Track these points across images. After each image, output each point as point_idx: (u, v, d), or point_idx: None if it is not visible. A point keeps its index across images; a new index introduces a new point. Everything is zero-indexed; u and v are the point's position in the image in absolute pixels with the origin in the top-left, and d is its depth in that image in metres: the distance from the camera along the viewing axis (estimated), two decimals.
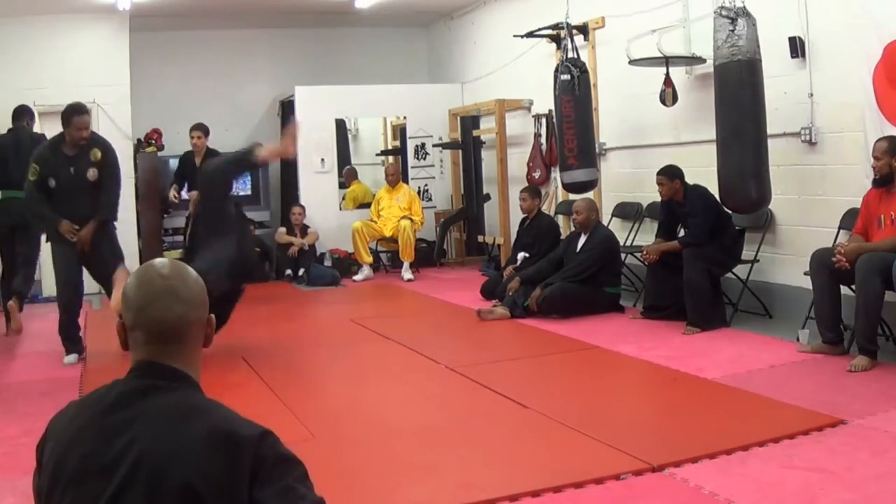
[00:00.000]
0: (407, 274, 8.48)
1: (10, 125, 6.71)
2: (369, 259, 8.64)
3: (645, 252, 5.71)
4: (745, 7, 5.01)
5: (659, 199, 5.95)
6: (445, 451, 3.40)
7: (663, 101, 6.26)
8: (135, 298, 1.43)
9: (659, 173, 5.72)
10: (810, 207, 5.43)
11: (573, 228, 6.60)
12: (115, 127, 8.34)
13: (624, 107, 7.09)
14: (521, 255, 6.89)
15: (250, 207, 9.53)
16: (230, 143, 9.75)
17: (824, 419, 3.42)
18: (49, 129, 8.40)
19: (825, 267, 4.47)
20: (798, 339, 4.80)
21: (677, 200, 5.67)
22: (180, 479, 1.27)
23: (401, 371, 4.84)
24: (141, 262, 8.01)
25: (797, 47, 5.30)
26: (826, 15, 5.16)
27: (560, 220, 7.78)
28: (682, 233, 5.75)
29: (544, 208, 7.42)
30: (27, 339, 6.03)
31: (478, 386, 4.32)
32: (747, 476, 2.90)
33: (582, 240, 6.27)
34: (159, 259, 1.51)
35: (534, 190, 7.30)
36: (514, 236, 8.39)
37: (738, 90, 5.02)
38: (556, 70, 6.74)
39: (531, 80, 8.23)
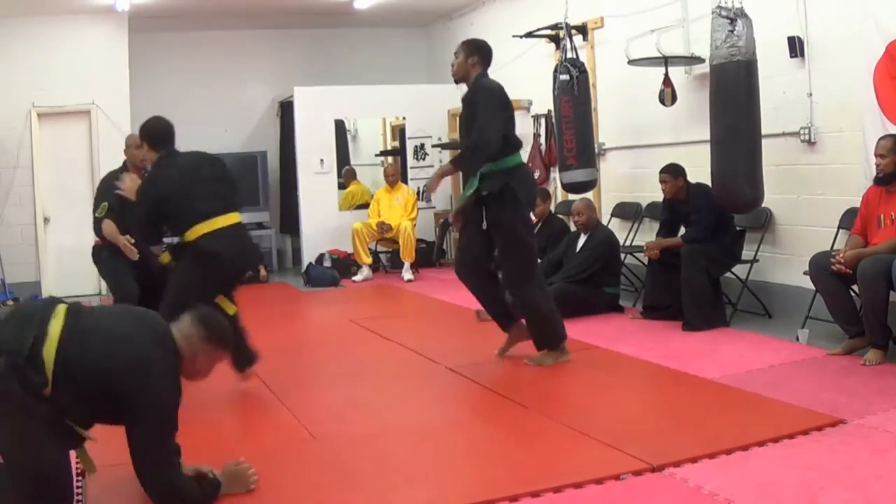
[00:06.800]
0: (407, 274, 8.48)
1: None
2: (369, 260, 8.65)
3: (646, 247, 5.71)
4: (742, 8, 5.01)
5: (659, 198, 5.94)
6: (445, 451, 3.40)
7: (662, 101, 6.26)
8: None
9: (662, 171, 5.71)
10: (809, 207, 5.43)
11: (573, 229, 6.59)
12: (115, 128, 8.33)
13: (623, 107, 7.09)
14: None
15: (250, 208, 9.56)
16: (229, 144, 9.80)
17: (824, 419, 3.42)
18: (49, 130, 8.45)
19: (826, 270, 4.46)
20: (798, 339, 4.80)
21: (680, 199, 5.67)
22: None
23: (401, 371, 4.84)
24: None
25: (796, 47, 5.30)
26: (825, 14, 5.16)
27: None
28: (682, 232, 5.74)
29: None
30: None
31: (478, 386, 4.33)
32: (747, 476, 2.89)
33: (582, 240, 6.27)
34: None
35: (544, 193, 7.20)
36: None
37: (736, 91, 5.01)
38: (555, 70, 6.74)
39: (530, 80, 8.22)
